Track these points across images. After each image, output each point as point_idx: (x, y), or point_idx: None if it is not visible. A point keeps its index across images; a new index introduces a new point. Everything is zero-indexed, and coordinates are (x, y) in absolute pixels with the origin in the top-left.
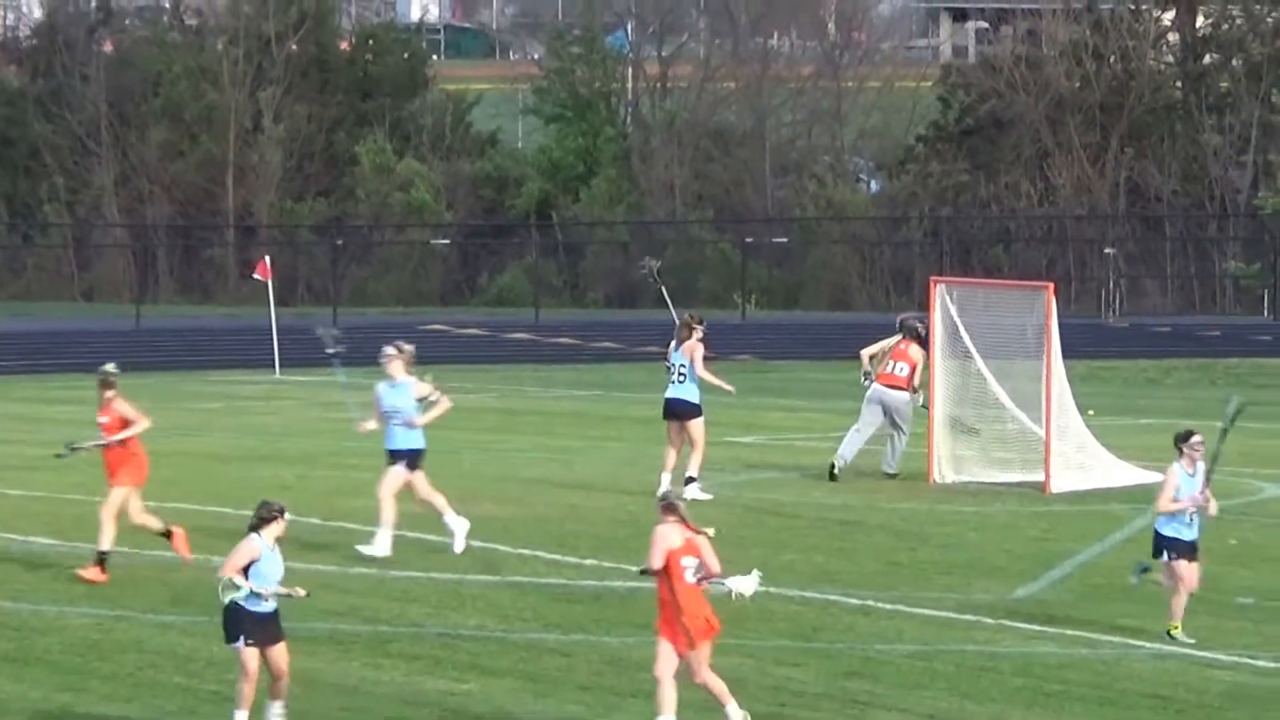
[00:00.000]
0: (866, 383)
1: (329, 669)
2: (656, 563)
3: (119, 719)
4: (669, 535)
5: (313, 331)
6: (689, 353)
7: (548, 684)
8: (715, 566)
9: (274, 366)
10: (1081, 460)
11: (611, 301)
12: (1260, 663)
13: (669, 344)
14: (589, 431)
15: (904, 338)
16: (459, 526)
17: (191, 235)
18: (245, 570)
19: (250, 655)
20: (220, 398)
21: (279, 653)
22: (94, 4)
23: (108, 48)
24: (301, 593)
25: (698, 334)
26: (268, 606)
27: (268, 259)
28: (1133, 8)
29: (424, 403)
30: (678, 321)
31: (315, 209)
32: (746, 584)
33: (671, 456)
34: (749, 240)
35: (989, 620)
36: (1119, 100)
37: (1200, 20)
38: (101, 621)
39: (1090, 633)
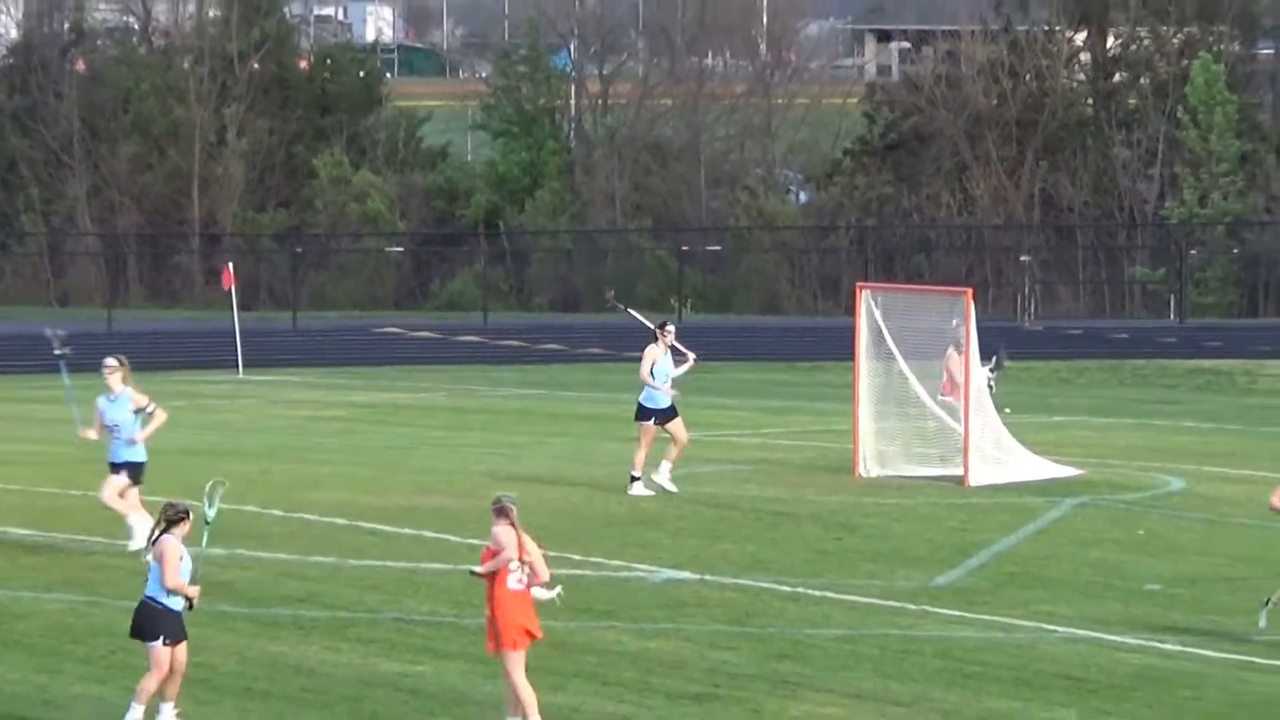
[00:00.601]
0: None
1: (290, 652)
2: (510, 555)
3: (94, 699)
4: (507, 538)
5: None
6: (644, 357)
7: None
8: (544, 574)
9: (237, 367)
10: (998, 455)
11: (556, 305)
12: (1166, 645)
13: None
14: (535, 428)
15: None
16: (139, 528)
17: (159, 243)
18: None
19: (166, 654)
20: (186, 396)
21: (182, 650)
22: (67, 25)
23: (80, 67)
24: (194, 591)
25: (663, 339)
26: (179, 605)
27: (231, 266)
28: (1046, 29)
29: (141, 414)
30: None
31: (276, 219)
32: (546, 595)
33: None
34: (685, 248)
35: (911, 606)
36: (1034, 116)
37: (1110, 41)
38: (75, 607)
39: (1006, 617)
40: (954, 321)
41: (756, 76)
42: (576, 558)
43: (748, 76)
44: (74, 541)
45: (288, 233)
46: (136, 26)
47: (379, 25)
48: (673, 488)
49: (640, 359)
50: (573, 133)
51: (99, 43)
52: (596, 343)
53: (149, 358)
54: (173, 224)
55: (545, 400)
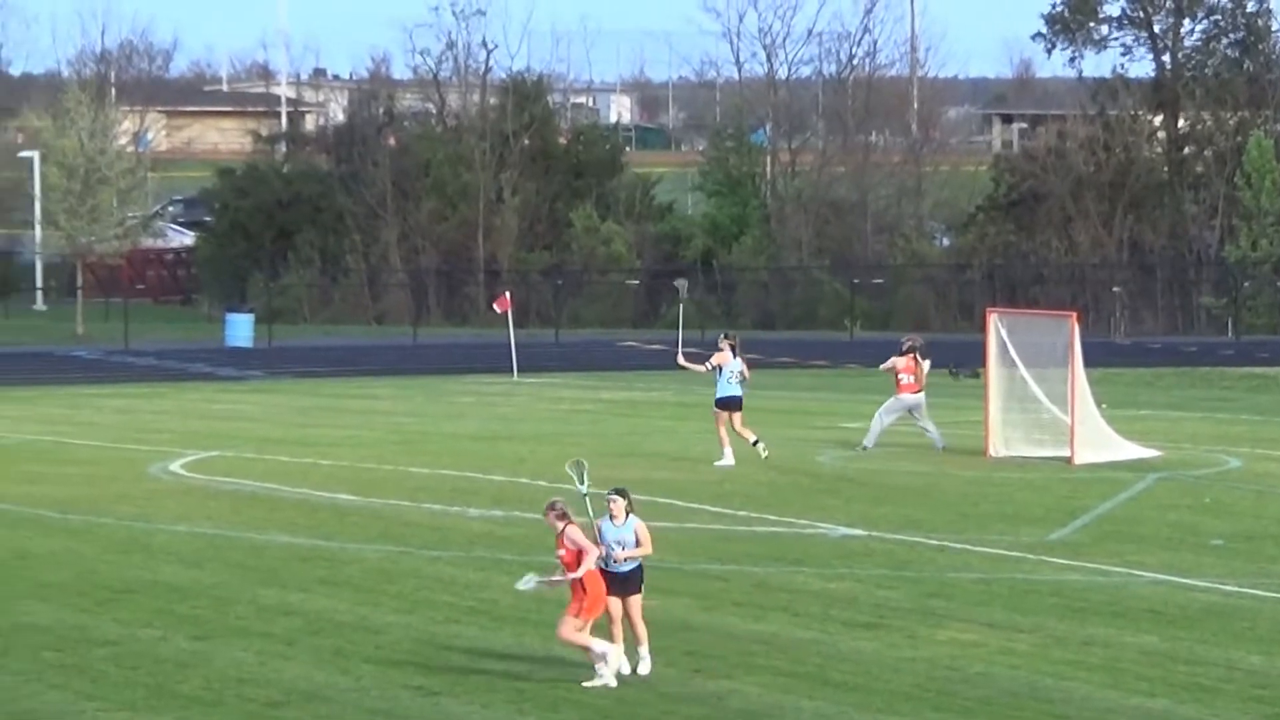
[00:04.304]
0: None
1: (554, 592)
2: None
3: (403, 625)
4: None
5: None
6: (743, 360)
7: (711, 601)
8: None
9: (512, 371)
10: (1097, 440)
11: (756, 324)
12: (1227, 587)
13: (718, 354)
14: None
15: (912, 355)
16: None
17: (453, 277)
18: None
19: (615, 604)
20: (473, 394)
21: (631, 602)
22: (381, 110)
23: (391, 142)
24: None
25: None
26: (624, 567)
27: (508, 294)
28: (1132, 114)
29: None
30: (719, 337)
31: (542, 258)
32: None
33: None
34: (855, 281)
35: (1031, 556)
36: (1122, 180)
37: (1181, 122)
38: (389, 556)
39: (1105, 565)
40: (905, 341)
41: (909, 149)
42: (773, 518)
43: (902, 149)
44: (388, 505)
45: (551, 268)
46: (434, 111)
47: (620, 110)
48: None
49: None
50: (768, 192)
51: (405, 123)
52: (787, 353)
53: (445, 364)
54: (463, 262)
55: (746, 398)
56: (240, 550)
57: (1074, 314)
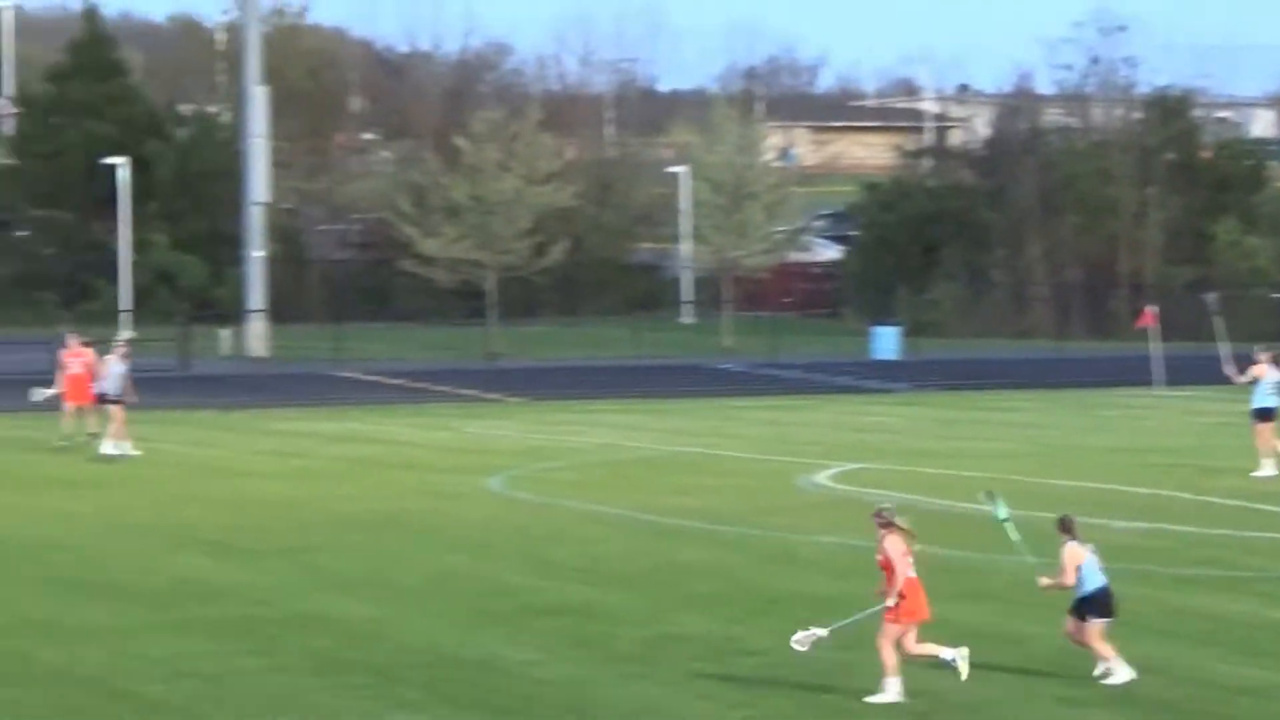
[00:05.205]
0: None
1: (1191, 601)
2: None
3: (1045, 636)
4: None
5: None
6: None
7: None
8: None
9: (1155, 384)
10: None
11: None
12: None
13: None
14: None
15: None
16: None
17: (1096, 291)
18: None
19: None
20: (1116, 407)
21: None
22: (1026, 125)
23: (1035, 156)
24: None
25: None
26: (1078, 592)
27: (1155, 309)
28: None
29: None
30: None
31: (1185, 272)
32: None
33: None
34: None
35: None
36: None
37: None
38: (1032, 567)
39: None
40: None
41: None
42: None
43: None
44: (1030, 517)
45: (1194, 283)
46: (1078, 126)
47: (1264, 124)
48: None
49: None
50: None
51: (1049, 138)
52: None
53: (1088, 377)
54: (1106, 276)
55: None
56: None
57: None
